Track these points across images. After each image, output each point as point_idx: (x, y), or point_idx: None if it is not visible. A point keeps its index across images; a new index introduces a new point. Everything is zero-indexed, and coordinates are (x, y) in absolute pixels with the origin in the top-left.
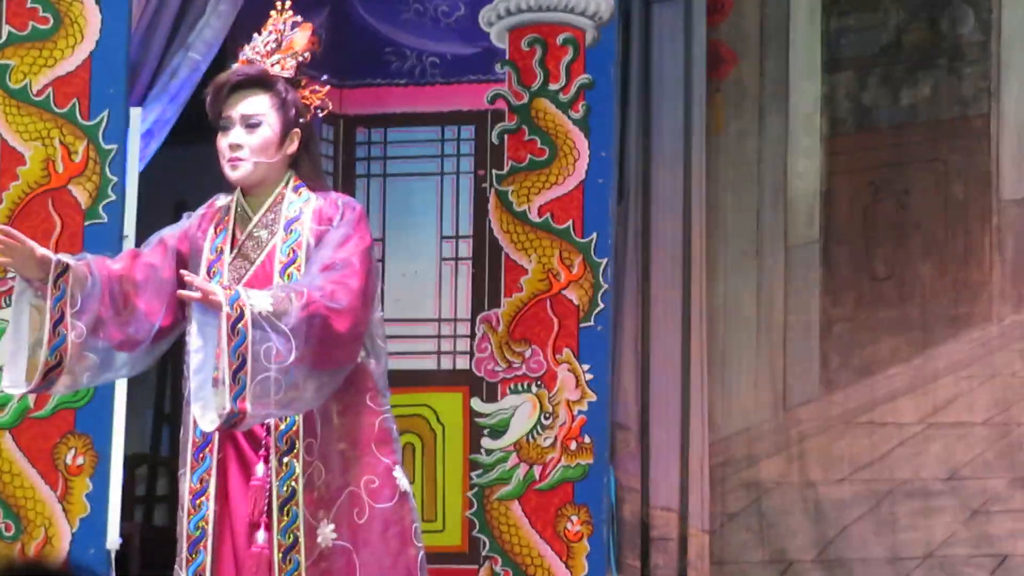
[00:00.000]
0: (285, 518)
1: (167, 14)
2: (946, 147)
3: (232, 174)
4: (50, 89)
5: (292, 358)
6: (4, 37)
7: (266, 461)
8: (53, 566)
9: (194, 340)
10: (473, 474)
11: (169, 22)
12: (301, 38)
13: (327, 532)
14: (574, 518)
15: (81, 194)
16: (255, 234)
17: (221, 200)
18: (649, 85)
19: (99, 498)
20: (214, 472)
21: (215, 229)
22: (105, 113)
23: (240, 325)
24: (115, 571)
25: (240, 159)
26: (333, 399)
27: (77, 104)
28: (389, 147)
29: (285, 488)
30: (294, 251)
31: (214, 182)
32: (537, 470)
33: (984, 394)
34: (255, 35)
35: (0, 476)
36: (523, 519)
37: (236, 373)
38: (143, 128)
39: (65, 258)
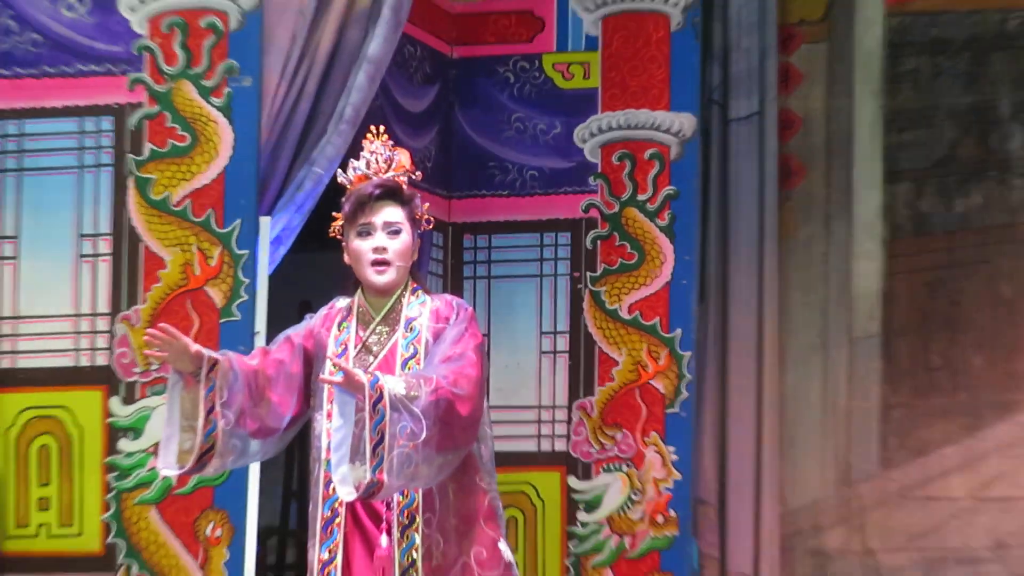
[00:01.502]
0: None
1: (293, 132)
2: (995, 251)
3: (379, 279)
4: (188, 200)
5: (423, 437)
6: (146, 154)
7: (388, 533)
8: None
9: (335, 420)
10: (570, 544)
11: (295, 140)
12: (406, 158)
13: None
14: None
15: (216, 295)
16: (378, 331)
17: (341, 302)
18: (727, 195)
19: (235, 566)
20: (340, 545)
21: (338, 327)
22: (237, 222)
23: (380, 405)
24: None
25: (386, 262)
26: (449, 479)
27: (212, 214)
28: (493, 252)
29: (406, 558)
30: (414, 346)
31: (334, 284)
32: (628, 541)
33: None
34: (362, 155)
35: (148, 547)
36: None
37: (376, 447)
38: (271, 235)
39: (214, 354)
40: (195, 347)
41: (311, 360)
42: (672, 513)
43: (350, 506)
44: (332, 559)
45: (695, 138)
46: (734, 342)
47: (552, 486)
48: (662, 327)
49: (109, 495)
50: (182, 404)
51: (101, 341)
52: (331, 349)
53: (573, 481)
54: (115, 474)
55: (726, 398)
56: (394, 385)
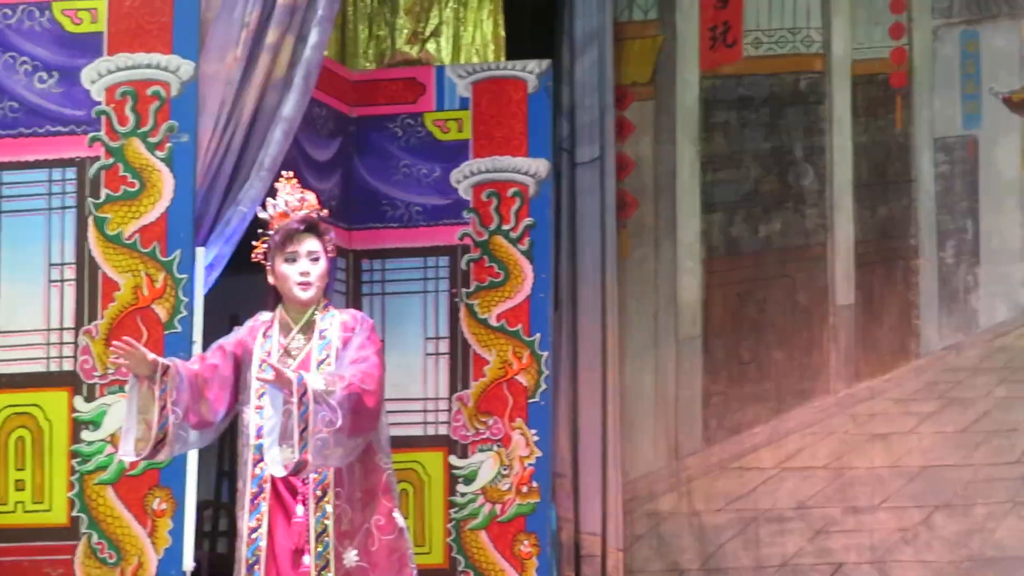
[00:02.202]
0: (320, 546)
1: (222, 179)
2: (793, 267)
3: (303, 295)
4: (137, 235)
5: (338, 425)
6: (103, 197)
7: (304, 504)
8: None
9: (267, 410)
10: (451, 511)
11: (224, 185)
12: (313, 198)
13: (351, 556)
14: (526, 542)
15: (161, 311)
16: (297, 339)
17: (264, 316)
18: (575, 224)
19: (177, 534)
20: (265, 515)
21: (263, 335)
22: (178, 252)
23: (304, 398)
24: None
25: (310, 283)
26: (355, 459)
27: (157, 246)
28: (386, 273)
29: (320, 524)
30: (326, 351)
31: (257, 302)
32: (498, 508)
33: (823, 446)
34: (279, 196)
35: (105, 519)
36: (489, 544)
37: (302, 433)
38: (206, 262)
39: (165, 361)
40: (151, 356)
41: (240, 364)
42: (534, 484)
43: (273, 483)
44: (259, 527)
45: (549, 178)
46: (583, 343)
47: (436, 464)
48: (524, 332)
49: (73, 477)
50: (139, 402)
51: (67, 350)
52: (258, 354)
53: (453, 459)
54: (78, 460)
55: (577, 389)
56: (315, 382)
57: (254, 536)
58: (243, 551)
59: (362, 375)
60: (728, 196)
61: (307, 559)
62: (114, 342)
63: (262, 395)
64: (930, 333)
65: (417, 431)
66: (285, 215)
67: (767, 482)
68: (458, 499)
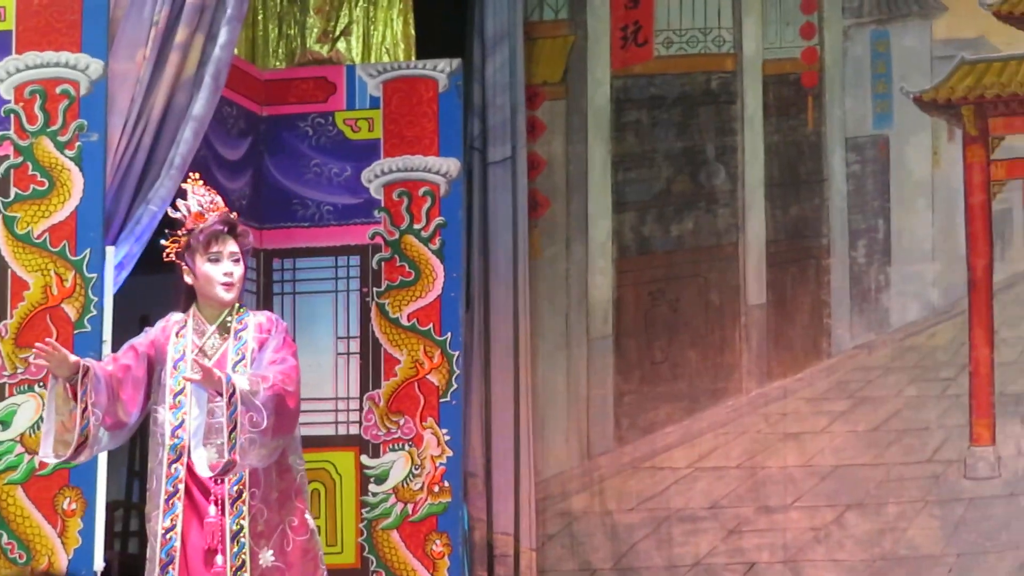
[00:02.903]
0: (236, 546)
1: (132, 178)
2: (705, 266)
3: (227, 295)
4: (47, 234)
5: (263, 426)
6: (12, 196)
7: (217, 504)
8: None
9: (193, 410)
10: (363, 511)
11: (134, 183)
12: (221, 200)
13: (267, 556)
14: (438, 542)
15: (71, 311)
16: (212, 339)
17: (177, 316)
18: (487, 223)
19: (88, 534)
20: (180, 515)
21: (176, 335)
22: (88, 251)
23: (233, 399)
24: None
25: (232, 283)
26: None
27: (67, 245)
28: (297, 272)
29: (235, 524)
30: (242, 352)
31: (166, 302)
32: (410, 507)
33: (736, 446)
34: (191, 197)
35: (15, 519)
36: (400, 543)
37: (231, 433)
38: (116, 261)
39: (85, 362)
40: (73, 357)
41: (153, 364)
42: (446, 484)
43: (186, 483)
44: (173, 527)
45: (460, 178)
46: (495, 343)
47: (348, 463)
48: (435, 331)
49: None
50: (58, 403)
51: None
52: (171, 354)
53: (365, 459)
54: None
55: (489, 388)
56: (241, 383)
57: (168, 536)
58: (157, 551)
59: (283, 376)
60: (640, 195)
61: (220, 559)
62: (37, 344)
63: (177, 394)
64: (842, 332)
65: (328, 431)
66: (201, 215)
67: (680, 481)
68: (370, 499)
